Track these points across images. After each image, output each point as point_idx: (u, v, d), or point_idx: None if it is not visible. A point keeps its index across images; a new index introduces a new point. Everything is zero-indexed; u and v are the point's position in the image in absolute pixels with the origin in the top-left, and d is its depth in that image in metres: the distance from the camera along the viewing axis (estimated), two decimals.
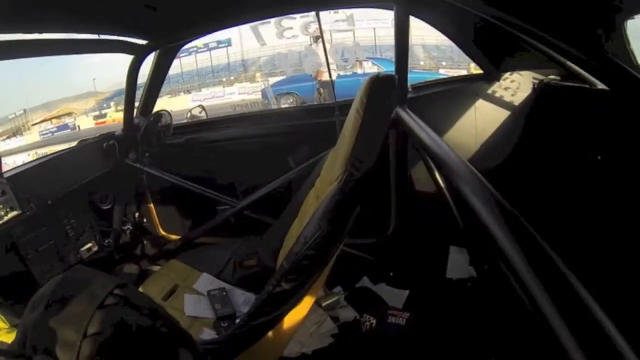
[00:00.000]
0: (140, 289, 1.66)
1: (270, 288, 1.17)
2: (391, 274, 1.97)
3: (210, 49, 18.01)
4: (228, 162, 2.13)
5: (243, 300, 1.59)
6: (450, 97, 2.01)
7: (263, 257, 1.72)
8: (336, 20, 10.13)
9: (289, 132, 2.10)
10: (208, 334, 1.44)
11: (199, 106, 2.41)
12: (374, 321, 1.75)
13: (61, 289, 0.69)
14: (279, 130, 2.11)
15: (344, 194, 1.18)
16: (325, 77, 8.46)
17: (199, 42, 14.50)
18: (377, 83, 1.21)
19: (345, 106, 1.77)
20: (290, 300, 1.18)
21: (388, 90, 1.27)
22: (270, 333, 1.19)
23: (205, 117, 2.37)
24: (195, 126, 2.26)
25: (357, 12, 10.23)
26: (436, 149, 1.17)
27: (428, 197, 1.77)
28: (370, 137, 1.23)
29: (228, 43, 18.58)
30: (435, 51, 11.71)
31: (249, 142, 2.07)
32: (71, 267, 1.89)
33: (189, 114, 2.35)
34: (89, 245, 2.06)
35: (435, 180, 1.57)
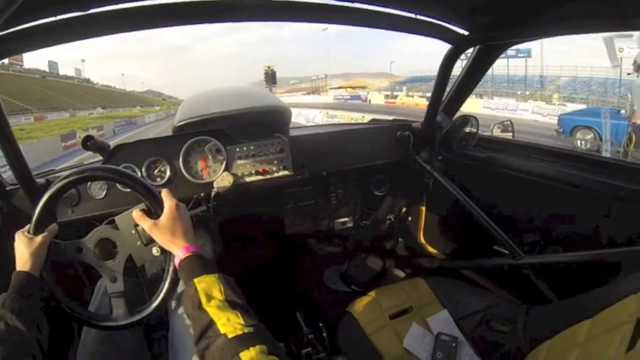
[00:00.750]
0: (372, 294, 1.57)
1: None
2: None
3: (508, 57, 17.01)
4: (527, 201, 1.70)
5: None
6: None
7: (519, 332, 1.33)
8: None
9: (616, 195, 1.40)
10: None
11: (507, 121, 2.04)
12: None
13: None
14: (598, 186, 1.45)
15: None
16: None
17: None
18: None
19: None
20: None
21: None
22: None
23: (511, 136, 1.99)
24: (500, 144, 1.91)
25: None
26: None
27: None
28: None
29: (528, 54, 17.17)
30: None
31: (561, 187, 1.54)
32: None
33: (497, 125, 2.01)
34: (346, 219, 2.11)
35: None
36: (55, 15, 0.98)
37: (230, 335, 0.74)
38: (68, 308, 1.02)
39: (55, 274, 1.02)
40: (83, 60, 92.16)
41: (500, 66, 15.38)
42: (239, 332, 0.74)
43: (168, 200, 0.99)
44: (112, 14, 1.05)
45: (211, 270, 0.88)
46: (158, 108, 73.51)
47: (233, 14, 1.26)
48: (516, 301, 1.53)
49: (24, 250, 0.95)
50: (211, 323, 0.77)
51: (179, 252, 0.93)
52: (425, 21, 1.43)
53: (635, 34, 8.23)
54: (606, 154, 7.50)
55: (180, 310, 1.21)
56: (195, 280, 0.85)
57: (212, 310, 0.79)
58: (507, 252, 1.65)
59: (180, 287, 1.04)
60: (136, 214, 0.99)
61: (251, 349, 0.71)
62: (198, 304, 0.81)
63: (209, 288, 0.83)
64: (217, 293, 0.83)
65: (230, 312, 0.79)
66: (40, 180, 1.44)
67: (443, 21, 1.46)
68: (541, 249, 1.63)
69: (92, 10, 1.01)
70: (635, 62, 7.36)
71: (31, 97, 45.57)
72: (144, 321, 1.04)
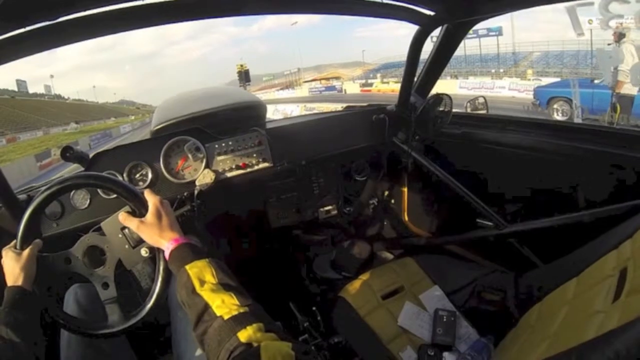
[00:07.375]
0: (363, 277, 1.59)
1: None
2: None
3: (479, 36, 17.17)
4: (506, 173, 1.75)
5: (464, 334, 1.36)
6: None
7: (509, 299, 1.38)
8: None
9: (591, 159, 1.46)
10: (409, 356, 1.31)
11: (480, 97, 2.09)
12: None
13: None
14: (580, 152, 1.48)
15: None
16: (627, 89, 6.57)
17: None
18: None
19: None
20: None
21: None
22: None
23: (485, 112, 2.04)
24: (476, 120, 1.95)
25: None
26: None
27: None
28: None
29: (499, 32, 17.34)
30: None
31: (537, 156, 1.60)
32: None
33: (468, 104, 2.06)
34: (330, 207, 2.13)
35: None
36: (24, 27, 0.97)
37: (226, 317, 0.74)
38: (62, 320, 1.02)
39: (45, 287, 1.00)
40: (52, 76, 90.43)
41: (472, 46, 15.53)
42: (235, 313, 0.74)
43: (151, 198, 0.99)
44: (82, 20, 1.03)
45: (202, 255, 0.89)
46: (133, 117, 72.35)
47: (198, 11, 1.25)
48: (504, 270, 1.56)
49: (13, 265, 0.94)
50: (206, 307, 0.77)
51: (168, 244, 0.93)
52: (392, 5, 1.44)
53: (596, 3, 8.35)
54: (577, 119, 7.73)
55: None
56: (187, 267, 0.85)
57: (206, 293, 0.79)
58: (491, 223, 1.70)
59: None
60: (122, 215, 0.99)
61: (248, 327, 0.71)
62: (192, 290, 0.81)
63: (201, 273, 0.84)
64: (210, 277, 0.83)
65: (224, 294, 0.79)
66: (22, 196, 1.41)
67: (409, 3, 1.47)
68: (523, 217, 1.68)
69: (61, 19, 0.99)
70: (614, 32, 7.49)
71: (1, 118, 44.29)
72: (140, 325, 1.03)
